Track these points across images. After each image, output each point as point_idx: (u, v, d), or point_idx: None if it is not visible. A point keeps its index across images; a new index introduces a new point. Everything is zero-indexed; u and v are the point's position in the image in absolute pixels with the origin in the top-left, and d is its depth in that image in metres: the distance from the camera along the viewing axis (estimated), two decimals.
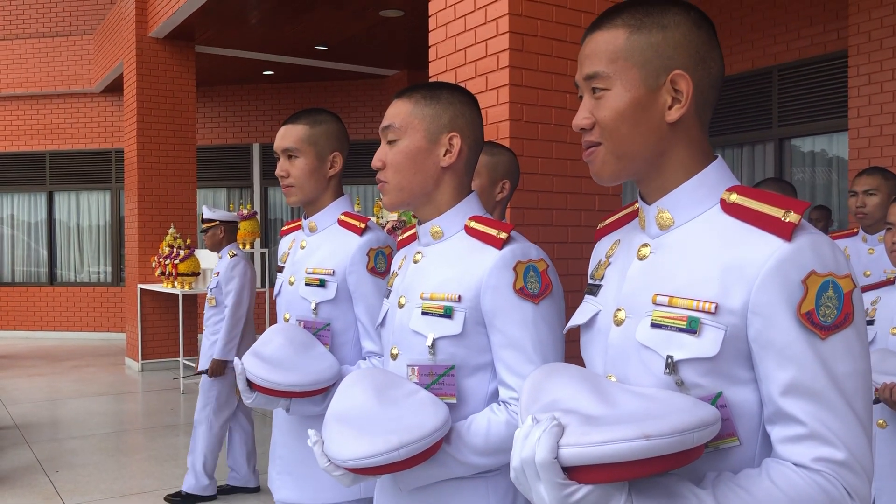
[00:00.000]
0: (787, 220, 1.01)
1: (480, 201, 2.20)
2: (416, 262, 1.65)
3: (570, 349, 2.25)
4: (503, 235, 1.51)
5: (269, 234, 12.00)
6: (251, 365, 1.91)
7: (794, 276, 0.99)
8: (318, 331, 2.09)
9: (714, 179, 1.13)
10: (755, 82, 7.17)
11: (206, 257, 8.50)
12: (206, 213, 4.78)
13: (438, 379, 1.53)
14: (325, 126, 2.17)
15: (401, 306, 1.62)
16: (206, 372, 4.57)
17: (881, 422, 2.20)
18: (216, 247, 4.78)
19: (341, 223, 2.16)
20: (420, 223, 1.67)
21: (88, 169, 12.44)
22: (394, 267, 1.79)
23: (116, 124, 12.26)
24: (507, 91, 3.71)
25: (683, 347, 1.04)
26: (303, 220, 2.26)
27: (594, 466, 0.92)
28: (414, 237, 2.20)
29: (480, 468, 1.49)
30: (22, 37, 12.34)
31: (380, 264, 2.08)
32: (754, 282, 1.01)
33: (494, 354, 1.52)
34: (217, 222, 4.74)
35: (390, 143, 1.61)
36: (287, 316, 2.18)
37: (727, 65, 7.27)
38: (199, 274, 8.16)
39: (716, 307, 1.03)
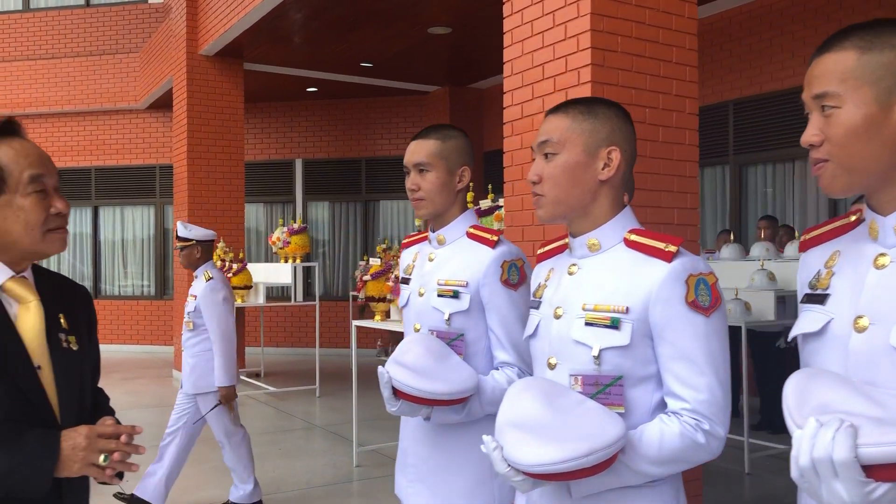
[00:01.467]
0: None
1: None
2: (571, 273, 1.69)
3: None
4: (672, 248, 1.55)
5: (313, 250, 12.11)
6: (398, 374, 1.96)
7: None
8: (452, 341, 2.14)
9: None
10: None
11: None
12: (182, 231, 4.64)
13: (604, 389, 1.56)
14: (455, 141, 2.23)
15: (557, 317, 1.66)
16: (219, 404, 4.53)
17: None
18: (192, 266, 4.68)
19: (471, 236, 2.20)
20: (574, 236, 1.71)
21: (133, 184, 12.63)
22: (539, 279, 1.82)
23: (161, 140, 12.45)
24: None
25: None
26: (430, 233, 2.31)
27: (892, 465, 0.97)
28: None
29: (651, 477, 1.52)
30: (70, 55, 12.59)
31: (513, 276, 2.13)
32: None
33: (663, 366, 1.55)
34: (193, 242, 4.63)
35: (547, 157, 1.66)
36: (418, 326, 2.23)
37: (775, 81, 7.29)
38: (251, 287, 8.25)
39: None
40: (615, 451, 1.41)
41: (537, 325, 1.72)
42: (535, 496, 1.67)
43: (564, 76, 3.89)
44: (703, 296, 1.53)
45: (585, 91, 3.76)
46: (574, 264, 1.69)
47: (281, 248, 8.13)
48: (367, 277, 5.70)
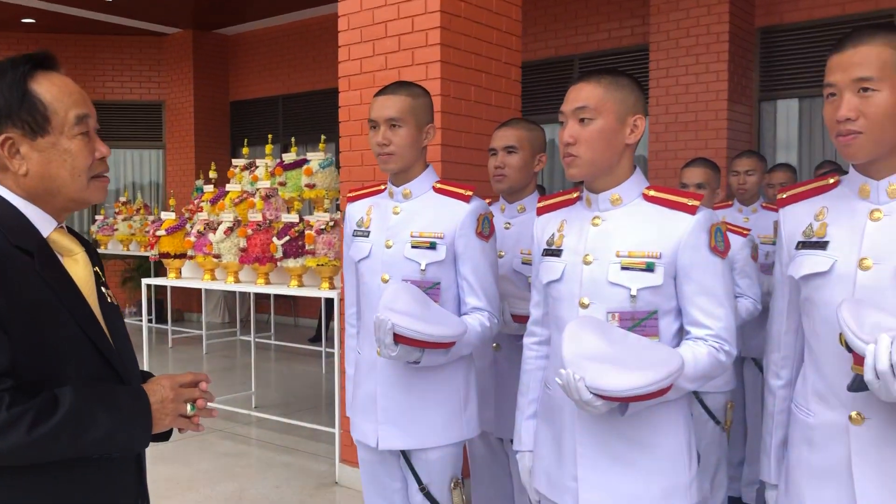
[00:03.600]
0: None
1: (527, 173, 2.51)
2: (595, 225, 1.91)
3: None
4: (696, 203, 1.84)
5: None
6: (400, 320, 2.05)
7: None
8: (428, 289, 2.25)
9: None
10: (558, 69, 7.94)
11: None
12: None
13: (640, 323, 1.83)
14: (424, 99, 2.32)
15: (587, 263, 1.88)
16: None
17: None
18: None
19: (440, 191, 2.32)
20: (595, 192, 1.92)
21: None
22: (550, 230, 2.01)
23: None
24: (437, 67, 3.94)
25: None
26: (392, 187, 2.37)
27: None
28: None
29: (685, 391, 1.82)
30: None
31: (485, 229, 2.29)
32: None
33: (688, 300, 1.84)
34: None
35: (583, 121, 1.85)
36: (386, 277, 2.30)
37: (532, 52, 7.96)
38: None
39: None
40: (680, 374, 1.68)
41: (563, 271, 1.92)
42: (580, 416, 1.86)
43: (411, 36, 4.02)
44: (720, 242, 1.84)
45: (435, 52, 3.93)
46: (597, 217, 1.91)
47: None
48: (160, 232, 5.38)
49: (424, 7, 3.97)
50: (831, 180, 1.76)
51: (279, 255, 4.82)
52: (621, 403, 1.72)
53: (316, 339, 8.62)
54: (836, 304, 1.59)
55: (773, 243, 3.93)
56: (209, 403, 1.57)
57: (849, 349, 1.47)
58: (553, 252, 1.98)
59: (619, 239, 1.87)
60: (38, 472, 1.38)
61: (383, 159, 2.29)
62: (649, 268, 1.82)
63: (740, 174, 3.97)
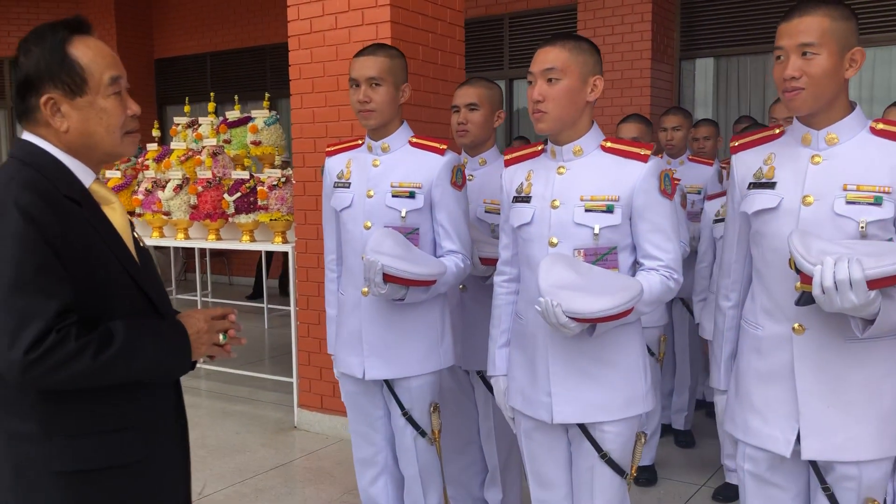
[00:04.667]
0: None
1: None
2: (560, 173, 2.18)
3: None
4: (647, 153, 2.12)
5: None
6: (389, 261, 2.29)
7: None
8: (408, 234, 2.49)
9: (861, 117, 1.91)
10: (490, 27, 8.15)
11: None
12: None
13: (602, 257, 2.11)
14: (400, 60, 2.53)
15: (555, 207, 2.15)
16: None
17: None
18: None
19: (416, 145, 2.55)
20: (559, 144, 2.18)
21: None
22: (518, 179, 2.26)
23: None
24: (387, 27, 4.11)
25: (872, 214, 1.81)
26: (371, 141, 2.58)
27: (880, 280, 1.65)
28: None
29: (642, 314, 2.12)
30: None
31: (458, 179, 2.54)
32: None
33: (642, 237, 2.12)
34: None
35: (550, 81, 2.11)
36: (368, 224, 2.53)
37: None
38: None
39: (889, 190, 1.80)
40: (641, 297, 1.98)
41: (533, 215, 2.18)
42: (553, 338, 2.14)
43: None
44: (667, 185, 2.13)
45: (385, 12, 4.10)
46: (562, 166, 2.18)
47: None
48: None
49: None
50: (777, 130, 2.07)
51: (231, 210, 4.95)
52: (590, 325, 2.00)
53: (255, 296, 8.74)
54: (783, 235, 1.90)
55: (699, 193, 4.31)
56: (237, 332, 1.77)
57: (797, 271, 1.78)
58: (523, 199, 2.24)
59: (582, 185, 2.14)
60: (95, 395, 1.57)
61: (364, 115, 2.50)
62: (609, 209, 2.10)
63: (668, 130, 4.31)
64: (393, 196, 2.50)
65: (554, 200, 2.16)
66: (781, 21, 1.92)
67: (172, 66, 10.71)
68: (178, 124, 5.91)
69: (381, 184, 2.53)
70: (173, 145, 5.57)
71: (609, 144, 2.17)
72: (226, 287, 10.11)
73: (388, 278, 2.32)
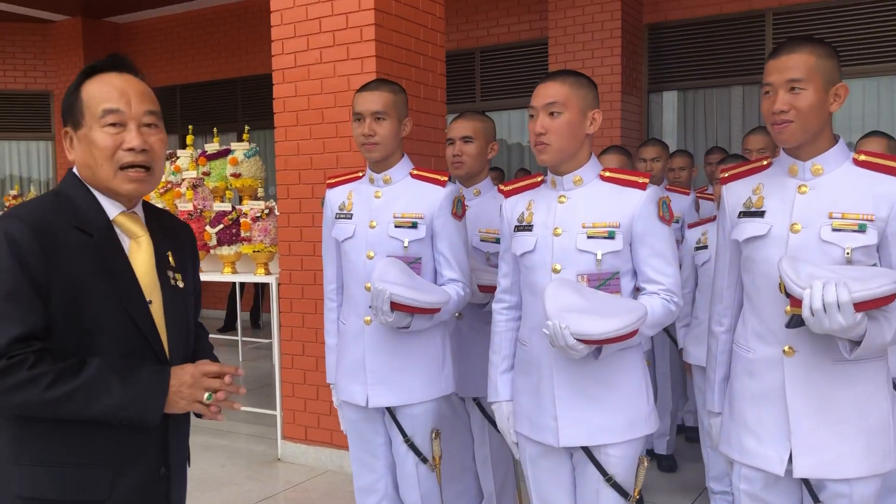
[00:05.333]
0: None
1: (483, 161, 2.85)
2: (561, 202, 2.25)
3: None
4: (645, 181, 2.21)
5: None
6: (396, 290, 2.34)
7: None
8: (411, 263, 2.54)
9: (844, 148, 2.01)
10: (461, 61, 8.29)
11: None
12: None
13: (605, 282, 2.19)
14: (403, 95, 2.60)
15: (557, 234, 2.22)
16: None
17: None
18: None
19: (417, 176, 2.61)
20: (560, 174, 2.26)
21: None
22: (519, 209, 2.34)
23: None
24: (372, 62, 4.19)
25: (856, 241, 1.90)
26: (372, 173, 2.64)
27: (866, 303, 1.74)
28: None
29: (645, 337, 2.19)
30: None
31: (459, 210, 2.61)
32: (893, 204, 1.90)
33: (643, 262, 2.20)
34: None
35: (552, 115, 2.19)
36: (371, 254, 2.57)
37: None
38: None
39: (873, 218, 1.90)
40: (645, 319, 2.05)
41: (536, 243, 2.25)
42: (556, 359, 2.19)
43: (345, 32, 4.25)
44: (665, 212, 2.22)
45: (369, 47, 4.18)
46: (563, 195, 2.26)
47: None
48: None
49: (358, 5, 4.22)
50: (765, 162, 2.17)
51: (213, 242, 4.96)
52: (596, 347, 2.07)
53: (227, 328, 8.68)
54: (772, 261, 2.00)
55: (677, 221, 4.43)
56: (233, 396, 1.68)
57: (787, 295, 1.87)
58: (525, 227, 2.31)
59: (583, 213, 2.22)
60: (67, 426, 1.56)
61: (368, 148, 2.56)
62: (611, 235, 2.18)
63: (647, 161, 4.44)
64: (396, 226, 2.56)
65: (556, 228, 2.23)
66: (769, 58, 2.03)
67: None
68: None
69: (384, 214, 2.59)
70: None
71: (608, 174, 2.26)
72: None
73: (394, 306, 2.36)
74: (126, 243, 1.68)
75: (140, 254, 1.69)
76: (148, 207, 1.79)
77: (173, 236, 1.81)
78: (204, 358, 1.78)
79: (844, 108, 6.69)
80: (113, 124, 1.63)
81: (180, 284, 1.77)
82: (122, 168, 1.64)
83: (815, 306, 1.78)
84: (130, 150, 1.63)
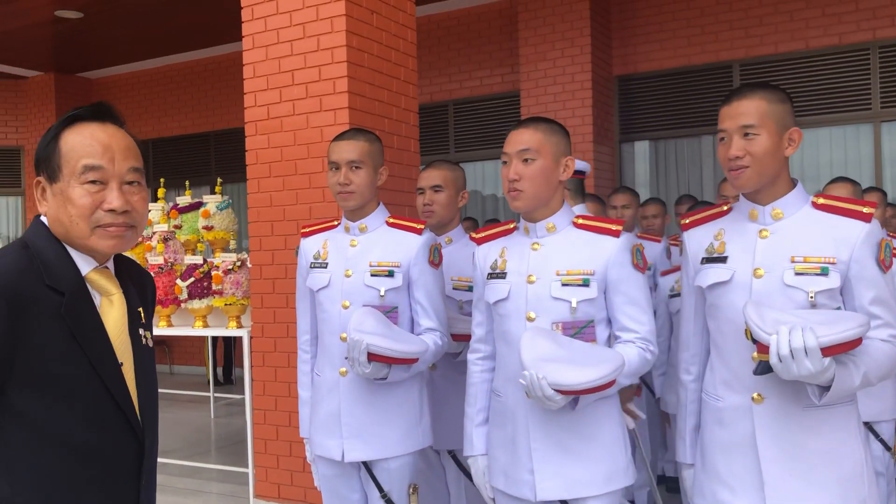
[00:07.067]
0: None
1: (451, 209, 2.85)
2: (535, 249, 2.23)
3: None
4: (618, 228, 2.20)
5: None
6: (374, 340, 2.29)
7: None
8: (387, 312, 2.50)
9: (803, 192, 2.02)
10: (434, 114, 8.37)
11: None
12: None
13: (580, 331, 2.16)
14: (379, 144, 2.60)
15: (531, 282, 2.19)
16: None
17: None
18: None
19: (393, 225, 2.59)
20: (533, 221, 2.25)
21: None
22: (492, 256, 2.31)
23: None
24: (345, 113, 4.20)
25: (819, 284, 1.90)
26: (348, 222, 2.61)
27: (833, 347, 1.72)
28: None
29: (623, 385, 2.15)
30: None
31: (436, 258, 2.58)
32: (853, 247, 1.90)
33: (617, 310, 2.18)
34: None
35: (526, 161, 2.19)
36: (347, 303, 2.53)
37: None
38: None
39: (834, 261, 1.89)
40: (623, 369, 2.02)
41: (509, 290, 2.22)
42: (532, 411, 2.14)
43: (319, 84, 4.27)
44: (640, 260, 2.21)
45: (342, 99, 4.19)
46: (536, 243, 2.24)
47: None
48: None
49: (331, 57, 4.24)
50: (725, 207, 2.17)
51: (184, 296, 4.88)
52: (574, 398, 2.03)
53: (224, 382, 8.66)
54: (737, 307, 1.98)
55: (649, 269, 4.44)
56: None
57: (754, 341, 1.84)
58: (498, 275, 2.28)
59: (557, 260, 2.20)
60: (36, 479, 1.46)
61: (343, 197, 2.53)
62: (585, 283, 2.16)
63: (618, 208, 4.46)
64: (372, 275, 2.52)
65: (530, 275, 2.21)
66: (722, 104, 2.04)
67: None
68: None
69: (360, 263, 2.55)
70: None
71: (581, 221, 2.25)
72: (167, 376, 9.82)
73: (372, 357, 2.31)
74: (97, 299, 1.59)
75: (112, 312, 1.59)
76: (116, 258, 1.71)
77: (141, 290, 1.73)
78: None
79: (811, 156, 6.82)
80: (93, 181, 1.53)
81: (150, 343, 1.68)
82: (100, 226, 1.54)
83: (783, 352, 1.76)
84: (111, 210, 1.54)
